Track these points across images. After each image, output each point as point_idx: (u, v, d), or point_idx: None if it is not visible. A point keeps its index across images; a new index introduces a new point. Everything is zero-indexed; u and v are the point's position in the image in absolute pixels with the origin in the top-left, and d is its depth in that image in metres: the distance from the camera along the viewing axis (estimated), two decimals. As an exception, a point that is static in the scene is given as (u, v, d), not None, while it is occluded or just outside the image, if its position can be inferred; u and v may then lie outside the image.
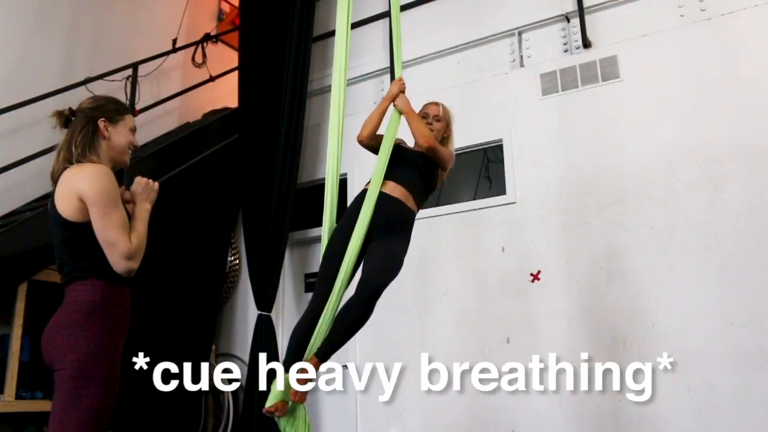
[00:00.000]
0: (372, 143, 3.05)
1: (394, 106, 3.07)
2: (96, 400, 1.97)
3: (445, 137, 3.13)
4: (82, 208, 2.04)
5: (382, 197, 2.85)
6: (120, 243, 2.03)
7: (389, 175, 2.92)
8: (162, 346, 4.78)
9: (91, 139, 2.16)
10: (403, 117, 3.05)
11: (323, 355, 2.72)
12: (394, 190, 2.88)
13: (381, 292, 2.71)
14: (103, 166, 2.13)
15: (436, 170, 3.02)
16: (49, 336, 2.05)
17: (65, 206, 2.06)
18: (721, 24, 3.90)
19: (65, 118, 2.20)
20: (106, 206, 2.03)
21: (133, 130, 2.29)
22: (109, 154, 2.21)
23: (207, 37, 6.51)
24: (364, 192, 2.92)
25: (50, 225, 2.17)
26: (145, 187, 2.26)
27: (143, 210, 2.20)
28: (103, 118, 2.19)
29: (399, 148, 3.06)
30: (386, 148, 2.95)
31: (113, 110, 2.24)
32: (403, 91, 3.10)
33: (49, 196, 4.00)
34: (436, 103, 3.17)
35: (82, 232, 2.05)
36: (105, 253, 2.04)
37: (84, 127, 2.17)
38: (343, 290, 2.74)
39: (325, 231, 2.96)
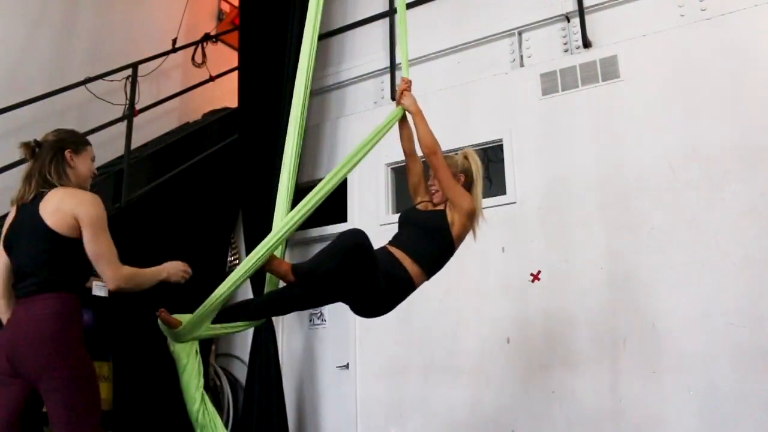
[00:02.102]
0: (411, 161, 3.03)
1: (402, 104, 3.02)
2: (94, 394, 2.27)
3: (465, 185, 2.88)
4: (76, 226, 2.29)
5: (384, 252, 2.73)
6: (111, 257, 2.32)
7: (393, 242, 2.80)
8: (162, 346, 4.78)
9: (62, 169, 2.42)
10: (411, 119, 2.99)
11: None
12: (395, 252, 2.72)
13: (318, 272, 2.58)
14: (96, 196, 2.39)
15: (446, 226, 2.75)
16: (27, 349, 2.20)
17: (57, 221, 2.29)
18: (721, 24, 3.90)
19: (31, 149, 2.45)
20: (100, 229, 2.31)
21: (93, 159, 2.55)
22: (76, 181, 2.45)
23: (207, 37, 6.52)
24: (383, 249, 2.75)
25: (22, 238, 2.34)
26: (179, 268, 2.57)
27: (160, 272, 2.49)
28: (69, 149, 2.44)
29: (412, 210, 2.96)
30: (369, 139, 2.90)
31: (77, 142, 2.50)
32: (408, 90, 3.04)
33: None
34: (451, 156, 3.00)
35: (67, 245, 2.29)
36: (96, 266, 2.31)
37: (54, 157, 2.42)
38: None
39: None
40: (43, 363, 2.18)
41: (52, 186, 2.36)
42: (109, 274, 2.30)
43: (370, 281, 2.59)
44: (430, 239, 2.74)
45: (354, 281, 2.58)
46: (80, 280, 2.38)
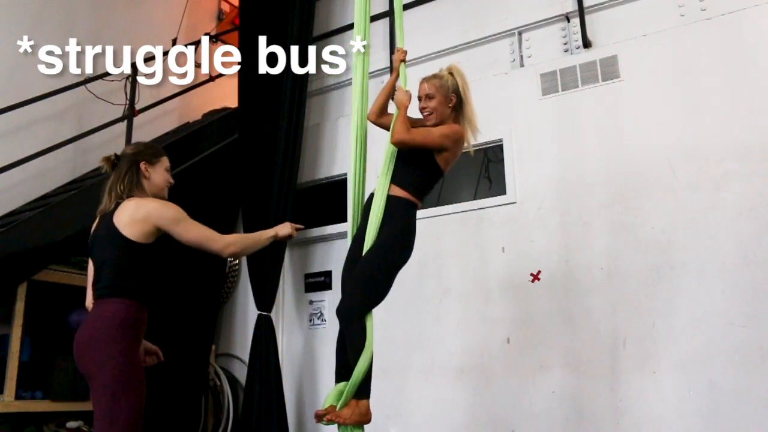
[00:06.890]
0: (381, 120, 3.03)
1: (394, 98, 2.93)
2: (137, 401, 2.33)
3: (450, 107, 2.93)
4: (151, 232, 2.48)
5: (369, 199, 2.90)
6: (210, 234, 2.53)
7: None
8: (162, 347, 4.77)
9: (136, 180, 2.60)
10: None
11: (355, 394, 2.62)
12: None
13: (353, 316, 2.67)
14: (165, 200, 2.61)
15: (419, 153, 2.85)
16: (87, 347, 2.36)
17: (130, 228, 2.45)
18: (721, 24, 3.90)
19: (111, 162, 2.65)
20: (183, 221, 2.52)
21: (168, 169, 2.73)
22: (151, 190, 2.64)
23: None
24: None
25: (98, 245, 2.53)
26: (287, 227, 2.71)
27: (265, 234, 2.68)
28: (144, 161, 2.62)
29: None
30: (390, 149, 2.89)
31: (152, 154, 2.68)
32: (404, 60, 3.00)
33: (48, 197, 4.22)
34: (422, 80, 2.96)
35: (137, 252, 2.46)
36: (204, 249, 2.53)
37: (128, 169, 2.60)
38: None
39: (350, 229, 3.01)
40: (93, 364, 2.33)
41: (129, 197, 2.54)
42: (216, 248, 2.52)
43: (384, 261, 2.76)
44: (407, 166, 2.86)
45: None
46: (145, 288, 2.49)
